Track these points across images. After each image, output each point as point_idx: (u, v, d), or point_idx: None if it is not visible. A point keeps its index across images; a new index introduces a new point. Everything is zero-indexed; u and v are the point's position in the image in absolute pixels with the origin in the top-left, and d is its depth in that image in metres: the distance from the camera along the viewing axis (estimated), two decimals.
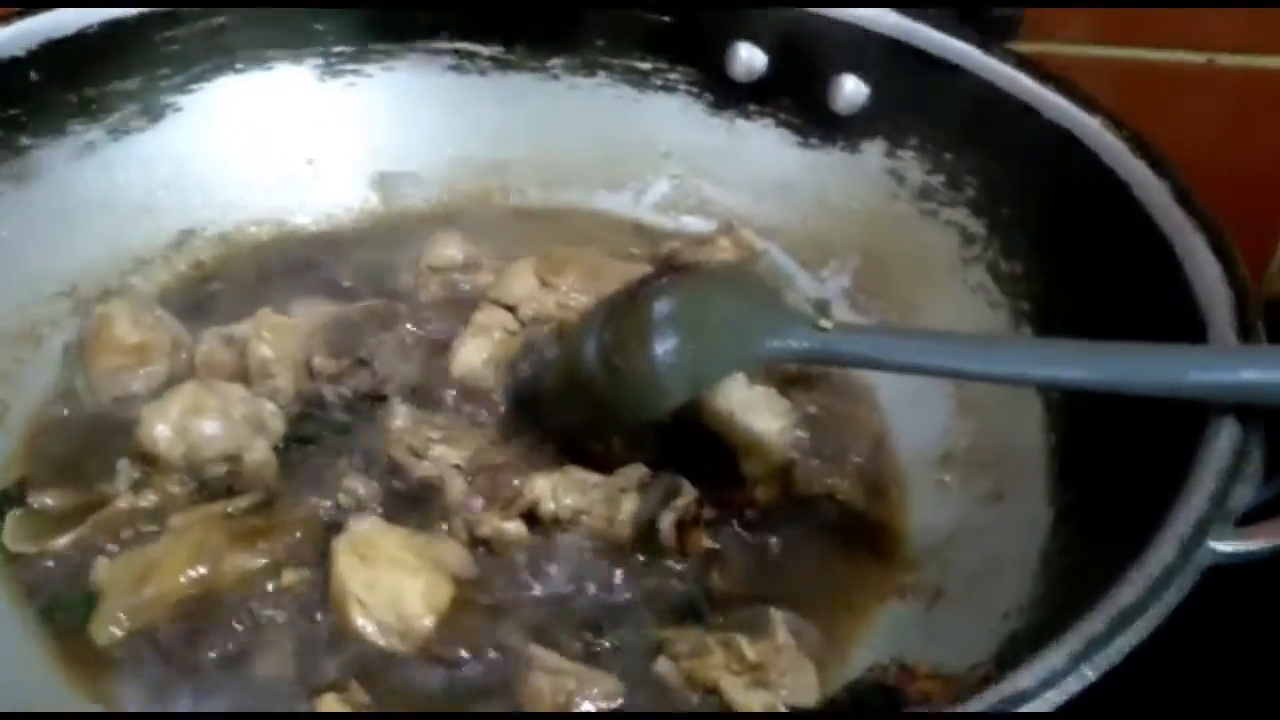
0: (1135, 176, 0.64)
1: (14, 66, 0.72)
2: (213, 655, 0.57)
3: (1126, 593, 0.42)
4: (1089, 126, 0.68)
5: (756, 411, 0.67)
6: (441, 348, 0.71)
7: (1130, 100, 0.82)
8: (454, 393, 0.69)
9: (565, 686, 0.56)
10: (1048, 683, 0.39)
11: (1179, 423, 0.52)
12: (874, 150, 0.80)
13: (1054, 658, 0.40)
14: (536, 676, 0.56)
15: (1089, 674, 0.40)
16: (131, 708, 0.55)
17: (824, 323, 0.59)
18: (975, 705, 0.39)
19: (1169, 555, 0.44)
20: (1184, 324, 0.56)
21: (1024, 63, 0.73)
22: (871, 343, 0.58)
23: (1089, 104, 0.68)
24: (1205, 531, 0.44)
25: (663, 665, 0.57)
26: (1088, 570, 0.51)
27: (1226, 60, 0.95)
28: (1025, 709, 0.39)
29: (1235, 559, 0.45)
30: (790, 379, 0.70)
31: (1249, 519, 0.48)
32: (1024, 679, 0.40)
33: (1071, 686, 0.39)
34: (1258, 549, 0.46)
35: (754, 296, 0.62)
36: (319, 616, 0.58)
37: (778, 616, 0.56)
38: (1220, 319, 0.54)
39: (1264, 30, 0.93)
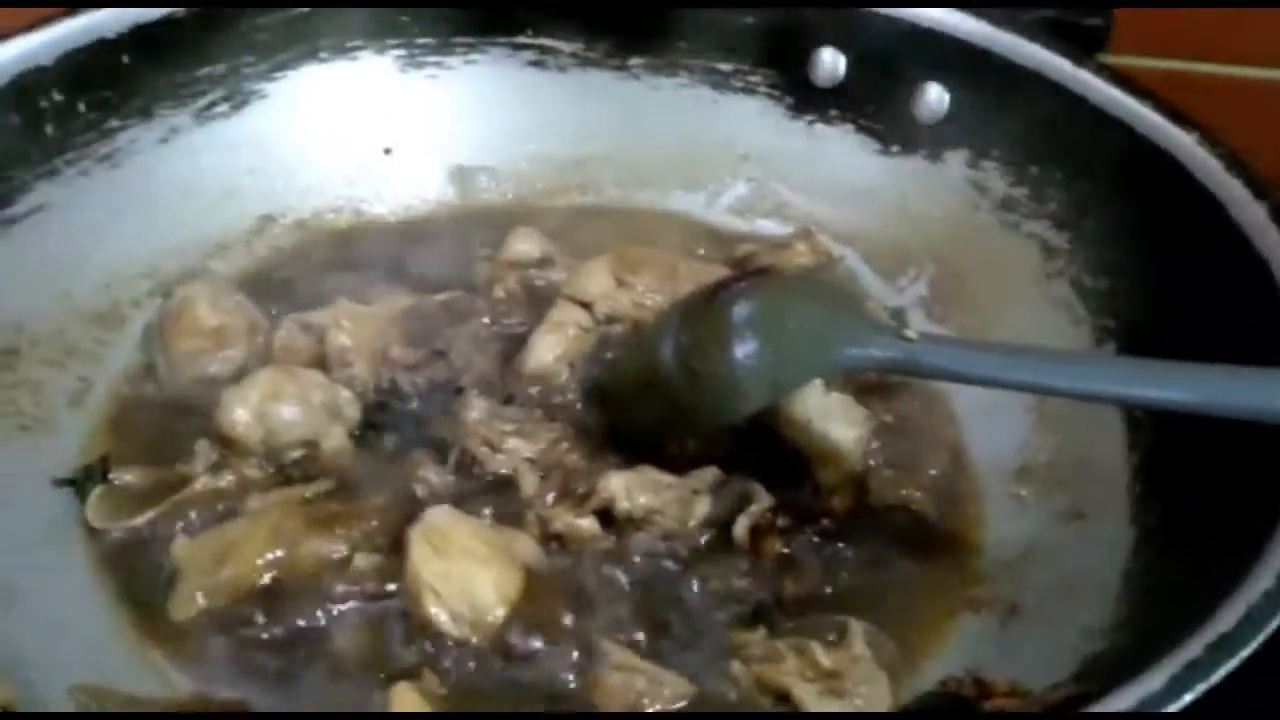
0: (1230, 195, 0.63)
1: (106, 48, 0.73)
2: (288, 637, 0.57)
3: (1227, 619, 0.42)
4: (1182, 143, 0.67)
5: (833, 419, 0.66)
6: (516, 342, 0.72)
7: (1220, 116, 0.81)
8: (528, 387, 0.69)
9: (635, 685, 0.56)
10: (1146, 704, 0.39)
11: (1271, 446, 0.51)
12: (956, 159, 0.79)
13: (1152, 681, 0.40)
14: (608, 673, 0.56)
15: (1187, 699, 0.39)
16: (206, 685, 0.56)
17: (908, 333, 0.58)
18: None
19: (1269, 583, 0.43)
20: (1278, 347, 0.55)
21: (1115, 76, 0.71)
22: (956, 355, 0.57)
23: (1182, 119, 0.67)
24: None
25: (734, 668, 0.57)
26: (1177, 594, 0.50)
27: None
28: None
29: None
30: (867, 387, 0.69)
31: None
32: (1120, 701, 0.39)
33: (1169, 711, 0.39)
34: None
35: (836, 303, 0.61)
36: (393, 603, 0.58)
37: (857, 626, 0.56)
38: None
39: None
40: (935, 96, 0.79)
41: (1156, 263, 0.67)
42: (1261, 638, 0.41)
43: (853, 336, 0.59)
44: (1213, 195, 0.64)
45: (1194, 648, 0.41)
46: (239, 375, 0.69)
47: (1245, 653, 0.41)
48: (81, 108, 0.72)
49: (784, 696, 0.55)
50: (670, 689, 0.56)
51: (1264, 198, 0.62)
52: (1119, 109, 0.71)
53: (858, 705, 0.54)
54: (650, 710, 0.55)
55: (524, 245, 0.78)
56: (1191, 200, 0.65)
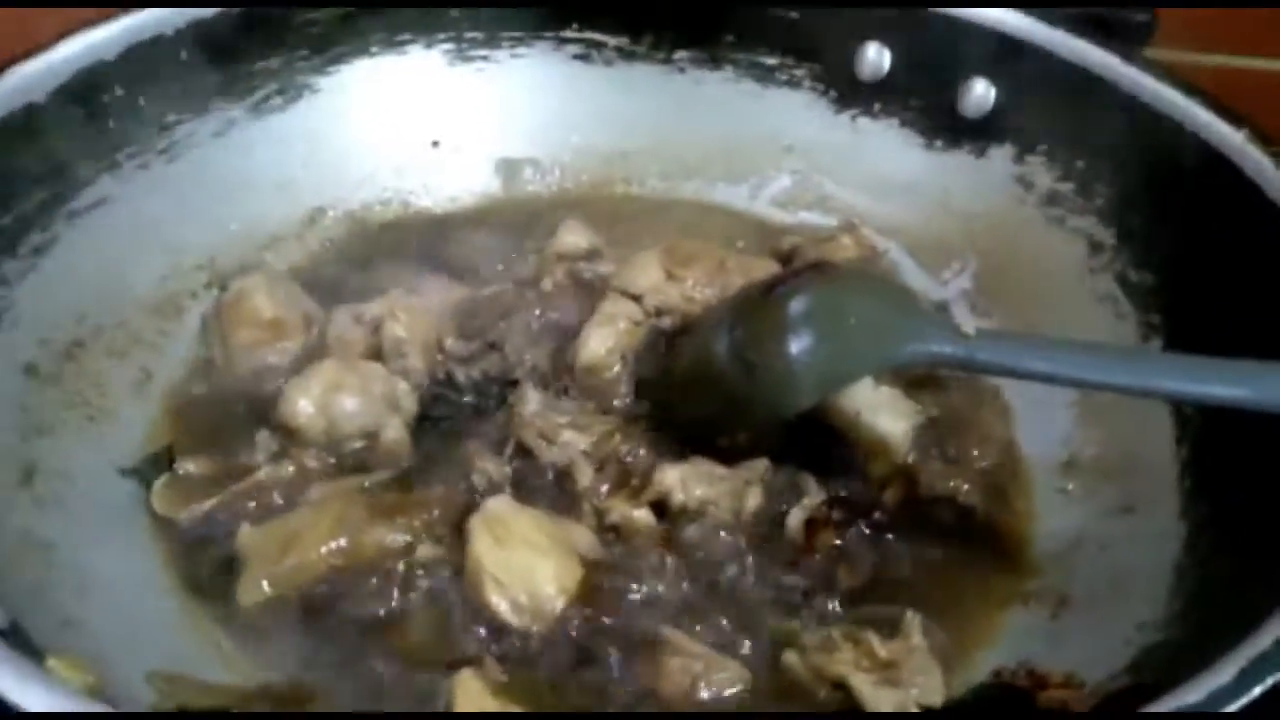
0: None
1: (166, 44, 0.74)
2: (351, 624, 0.59)
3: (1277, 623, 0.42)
4: (1232, 140, 0.67)
5: (882, 412, 0.67)
6: (568, 334, 0.73)
7: (1262, 111, 0.82)
8: (580, 379, 0.70)
9: (693, 669, 0.57)
10: (1215, 698, 0.40)
11: None
12: (1001, 155, 0.80)
13: (1221, 675, 0.40)
14: (667, 658, 0.57)
15: (1256, 692, 0.40)
16: (272, 672, 0.57)
17: (966, 328, 0.59)
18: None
19: None
20: None
21: (1164, 73, 0.72)
22: (1014, 351, 0.58)
23: (1234, 118, 0.68)
24: None
25: (790, 657, 0.58)
26: (1233, 588, 0.51)
27: None
28: None
29: None
30: (915, 380, 0.70)
31: None
32: (1189, 695, 0.40)
33: (1238, 703, 0.40)
34: None
35: (893, 299, 0.62)
36: (454, 591, 0.60)
37: (913, 617, 0.57)
38: None
39: None
40: (981, 91, 0.80)
41: (1203, 260, 0.68)
42: None
43: (910, 332, 0.60)
44: (1263, 193, 0.64)
45: (1262, 641, 0.42)
46: (295, 366, 0.70)
47: None
48: (141, 102, 0.73)
49: (839, 686, 0.56)
50: (727, 673, 0.57)
51: None
52: (1168, 106, 0.71)
53: (913, 695, 0.55)
54: (704, 695, 0.56)
55: (572, 237, 0.79)
56: (1241, 198, 0.65)
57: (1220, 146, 0.68)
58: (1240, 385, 0.52)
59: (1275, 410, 0.53)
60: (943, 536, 0.64)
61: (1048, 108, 0.77)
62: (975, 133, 0.81)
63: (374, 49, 0.83)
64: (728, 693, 0.57)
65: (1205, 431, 0.62)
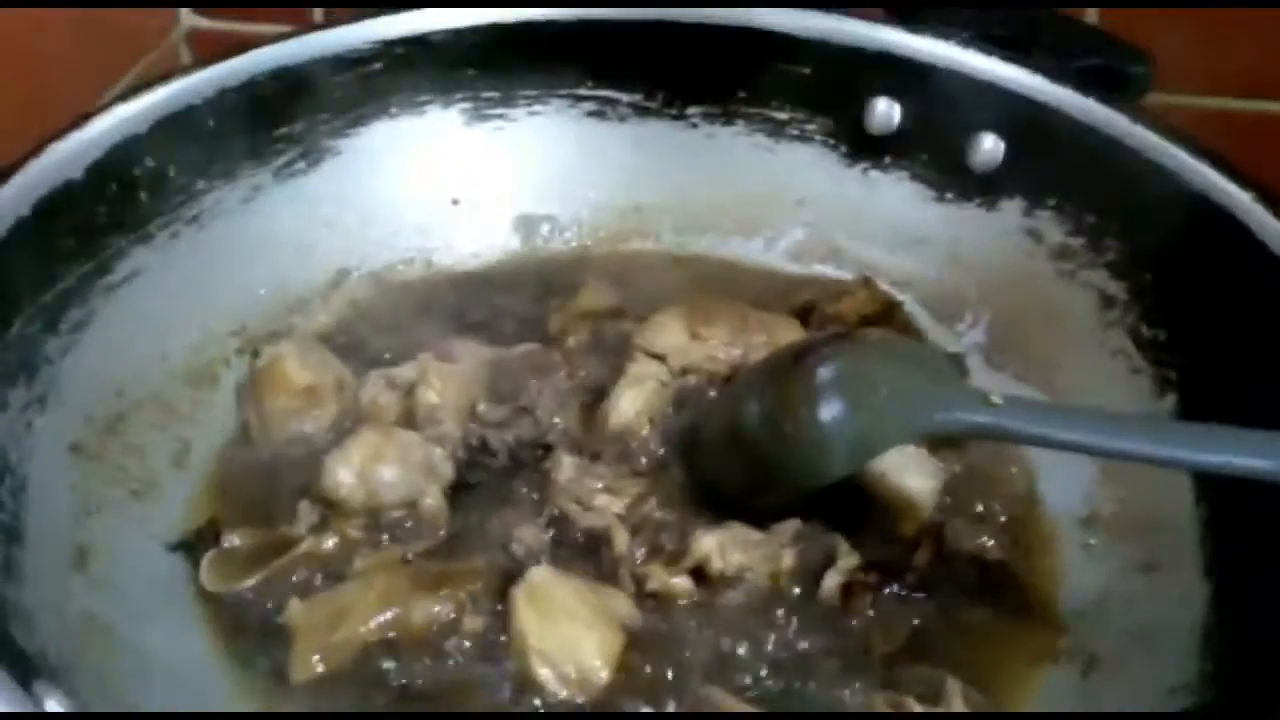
0: None
1: (194, 115, 0.75)
2: (404, 697, 0.60)
3: None
4: (1240, 200, 0.69)
5: (908, 472, 0.69)
6: (596, 395, 0.74)
7: (1259, 148, 0.84)
8: (611, 442, 0.72)
9: None
10: None
11: None
12: (1011, 208, 0.81)
13: None
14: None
15: None
16: None
17: (994, 398, 0.61)
18: None
19: None
20: None
21: (1172, 132, 0.74)
22: (1040, 420, 0.60)
23: (1240, 177, 0.70)
24: None
25: None
26: (1262, 654, 0.53)
27: None
28: None
29: None
30: (940, 439, 0.72)
31: None
32: None
33: None
34: None
35: (921, 366, 0.64)
36: (503, 662, 0.61)
37: (954, 684, 0.58)
38: None
39: None
40: (990, 146, 0.82)
41: (1215, 317, 0.70)
42: None
43: (939, 401, 0.61)
44: (1272, 254, 0.66)
45: None
46: (330, 433, 0.71)
47: None
48: (172, 173, 0.74)
49: None
50: None
51: None
52: (1175, 164, 0.73)
53: None
54: None
55: (595, 297, 0.81)
56: (1250, 258, 0.67)
57: (1228, 206, 0.70)
58: (1257, 457, 0.54)
59: None
60: (971, 594, 0.66)
61: (1056, 163, 0.79)
62: (985, 186, 0.82)
63: (394, 110, 0.84)
64: None
65: (1224, 492, 0.63)
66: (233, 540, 0.66)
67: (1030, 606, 0.66)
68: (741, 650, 0.62)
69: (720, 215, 0.89)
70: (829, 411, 0.62)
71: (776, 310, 0.81)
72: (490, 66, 0.85)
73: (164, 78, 0.74)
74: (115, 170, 0.71)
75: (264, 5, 1.05)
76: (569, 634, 0.61)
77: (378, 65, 0.82)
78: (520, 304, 0.83)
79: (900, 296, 0.84)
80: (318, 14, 1.07)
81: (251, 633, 0.62)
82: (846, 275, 0.86)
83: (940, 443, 0.71)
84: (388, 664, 0.61)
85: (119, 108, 0.71)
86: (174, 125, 0.74)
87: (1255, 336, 0.67)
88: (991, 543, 0.69)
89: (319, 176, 0.82)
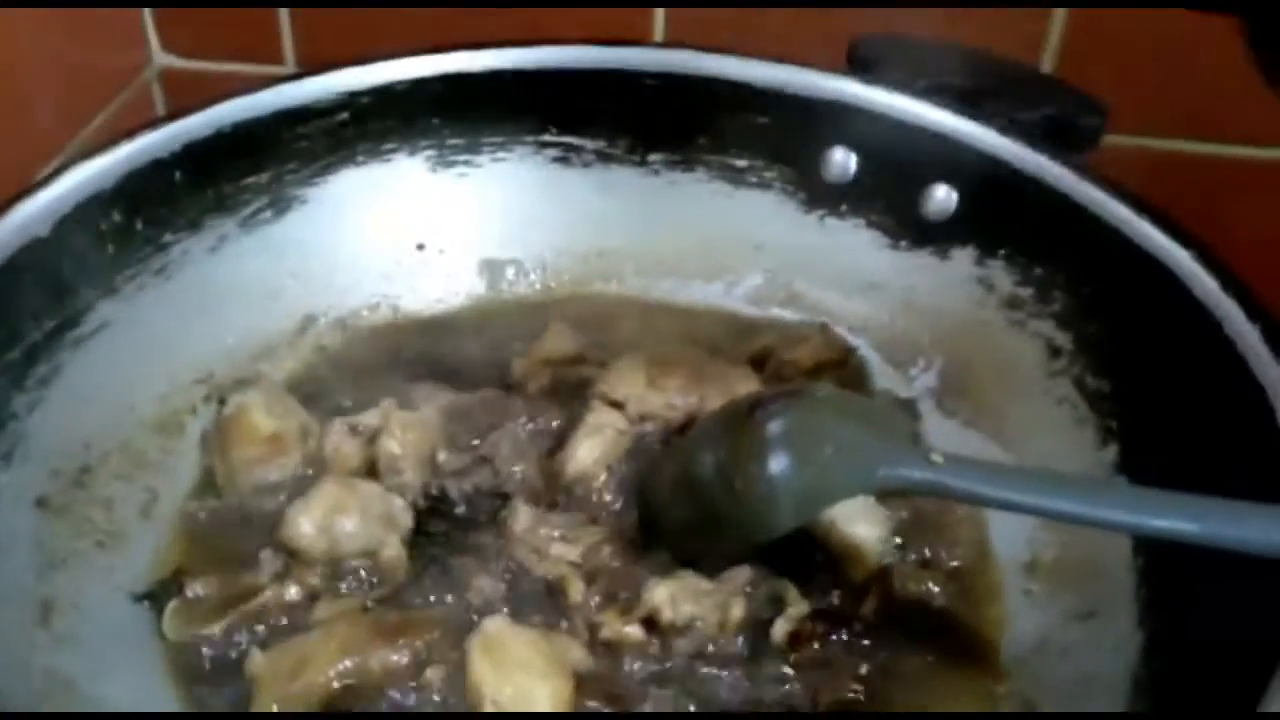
0: (1228, 315, 0.67)
1: (160, 168, 0.76)
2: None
3: None
4: (1180, 259, 0.71)
5: (857, 520, 0.71)
6: (555, 441, 0.76)
7: (1207, 192, 0.86)
8: (568, 490, 0.73)
9: None
10: None
11: (1274, 568, 0.56)
12: (964, 257, 0.83)
13: None
14: None
15: None
16: None
17: (935, 456, 0.63)
18: None
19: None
20: (1275, 469, 0.60)
21: (1119, 190, 0.76)
22: (979, 479, 0.62)
23: (1182, 237, 0.72)
24: None
25: None
26: (1185, 701, 0.55)
27: None
28: None
29: None
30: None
31: None
32: None
33: None
34: None
35: (869, 423, 0.66)
36: (457, 709, 0.63)
37: None
38: None
39: None
40: (943, 195, 0.84)
41: (1156, 371, 0.72)
42: None
43: (884, 457, 0.63)
44: (1209, 313, 0.68)
45: None
46: (294, 481, 0.73)
47: None
48: (138, 225, 0.75)
49: None
50: None
51: (1257, 319, 0.66)
52: (1118, 220, 0.75)
53: None
54: None
55: (558, 343, 0.82)
56: (1188, 315, 0.69)
57: (1169, 263, 0.72)
58: (1187, 521, 0.56)
59: (1216, 546, 0.56)
60: (917, 641, 0.68)
61: (1005, 214, 0.81)
62: (938, 235, 0.84)
63: (360, 158, 0.86)
64: None
65: (1161, 544, 0.65)
66: (196, 589, 0.67)
67: (974, 653, 0.68)
68: (688, 697, 0.64)
69: (682, 260, 0.91)
70: (777, 466, 0.64)
71: (735, 354, 0.84)
72: (455, 115, 0.87)
73: (130, 133, 0.75)
74: (82, 226, 0.72)
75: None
76: (522, 684, 0.62)
77: (343, 116, 0.84)
78: (484, 349, 0.85)
79: (855, 342, 0.86)
80: (289, 51, 1.08)
81: (212, 681, 0.64)
82: (804, 319, 0.88)
83: (889, 491, 0.73)
84: (347, 710, 0.62)
85: (86, 164, 0.73)
86: (140, 179, 0.75)
87: (1191, 391, 0.69)
88: (938, 589, 0.71)
89: (285, 225, 0.83)
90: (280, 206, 0.83)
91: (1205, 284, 0.69)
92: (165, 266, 0.77)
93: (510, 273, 0.90)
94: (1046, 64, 1.00)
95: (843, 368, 0.84)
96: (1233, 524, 0.55)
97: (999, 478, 0.62)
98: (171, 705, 0.63)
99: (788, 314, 0.89)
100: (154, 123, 0.77)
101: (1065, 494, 0.60)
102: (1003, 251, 0.82)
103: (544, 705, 0.62)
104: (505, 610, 0.67)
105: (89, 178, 0.73)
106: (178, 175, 0.77)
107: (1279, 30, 0.55)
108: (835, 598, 0.69)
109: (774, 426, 0.65)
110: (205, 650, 0.65)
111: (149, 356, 0.76)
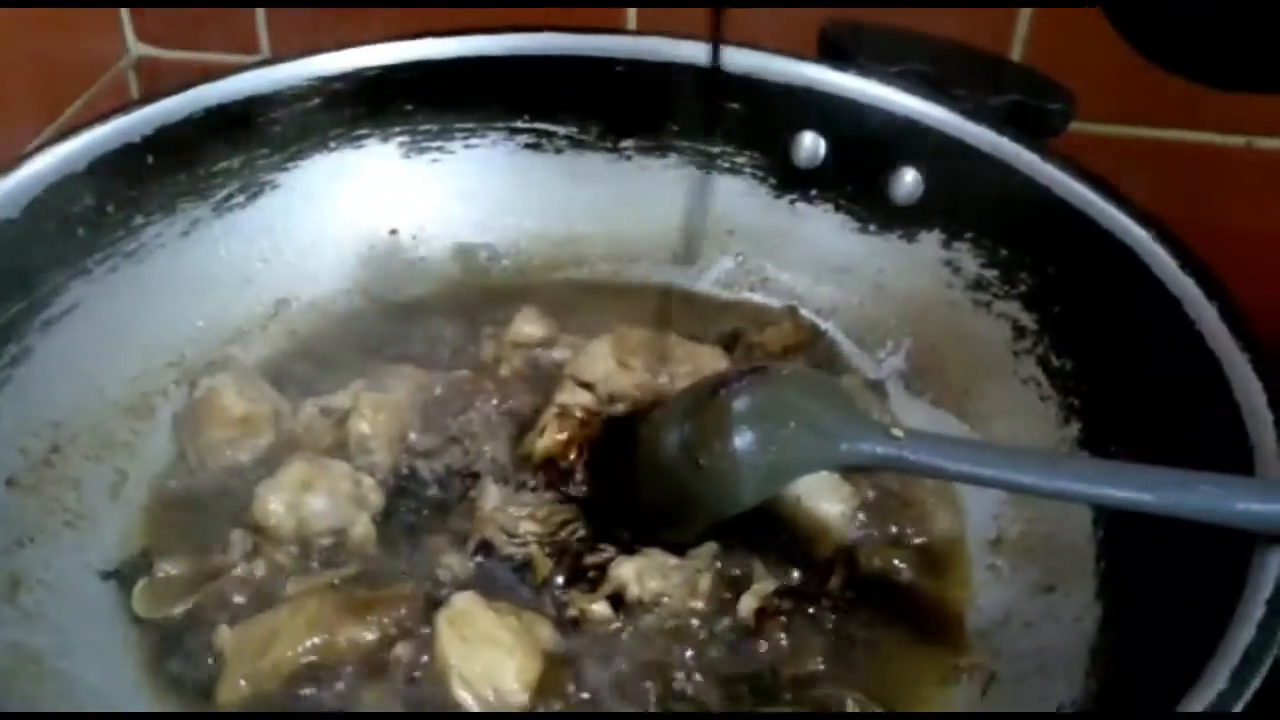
0: (1186, 293, 0.68)
1: (132, 151, 0.77)
2: (329, 713, 0.62)
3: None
4: (1141, 239, 0.72)
5: (821, 496, 0.72)
6: (525, 423, 0.76)
7: (1172, 178, 0.87)
8: (537, 469, 0.74)
9: None
10: None
11: (1226, 539, 0.57)
12: (931, 240, 0.84)
13: None
14: None
15: None
16: None
17: (895, 431, 0.64)
18: None
19: (1222, 684, 0.48)
20: (1232, 445, 0.60)
21: (1081, 173, 0.77)
22: (939, 453, 0.62)
23: (1143, 218, 0.73)
24: (1259, 661, 0.49)
25: None
26: (1138, 675, 0.56)
27: (1264, 143, 1.01)
28: None
29: None
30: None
31: None
32: None
33: None
34: None
35: (830, 400, 0.66)
36: (426, 685, 0.63)
37: (854, 705, 0.61)
38: (1266, 446, 0.58)
39: None
40: (911, 180, 0.85)
41: (1117, 349, 0.72)
42: None
43: (846, 433, 0.64)
44: (1169, 292, 0.69)
45: None
46: (265, 462, 0.73)
47: None
48: (110, 209, 0.76)
49: None
50: None
51: (1215, 297, 0.67)
52: (1081, 202, 0.76)
53: None
54: None
55: (528, 326, 0.83)
56: (1148, 294, 0.70)
57: (1130, 244, 0.72)
58: (1142, 491, 0.57)
59: (1169, 515, 0.57)
60: (884, 615, 0.68)
61: (972, 198, 0.82)
62: (906, 219, 0.85)
63: (332, 144, 0.86)
64: None
65: (1120, 518, 0.66)
66: (165, 568, 0.68)
67: (941, 627, 0.69)
68: (654, 673, 0.65)
69: (654, 244, 0.91)
70: (741, 442, 0.65)
71: (705, 337, 0.84)
72: (427, 101, 0.88)
73: (102, 116, 0.75)
74: (53, 208, 0.72)
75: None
76: (490, 659, 0.63)
77: (315, 101, 0.84)
78: (456, 332, 0.85)
79: (825, 324, 0.87)
80: (264, 40, 1.09)
81: (182, 656, 0.64)
82: (775, 303, 0.89)
83: (853, 469, 0.74)
84: (314, 687, 0.63)
85: (57, 147, 0.73)
86: (112, 163, 0.75)
87: (1151, 367, 0.70)
88: (903, 565, 0.71)
89: (258, 210, 0.84)
90: (252, 191, 0.83)
91: (1165, 263, 0.70)
92: (137, 250, 0.78)
93: (483, 257, 0.91)
94: (1015, 52, 1.00)
95: (811, 350, 0.84)
96: (1187, 493, 0.56)
97: (959, 452, 0.63)
98: (139, 680, 0.63)
99: (758, 298, 0.90)
100: (126, 106, 0.77)
101: (1025, 467, 0.61)
102: (969, 234, 0.83)
103: (512, 681, 0.63)
104: (474, 587, 0.67)
105: (60, 160, 0.73)
106: (150, 159, 0.78)
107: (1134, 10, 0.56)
108: (801, 574, 0.70)
109: (739, 404, 0.66)
110: (174, 628, 0.66)
111: (120, 339, 0.76)
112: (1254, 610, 0.51)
